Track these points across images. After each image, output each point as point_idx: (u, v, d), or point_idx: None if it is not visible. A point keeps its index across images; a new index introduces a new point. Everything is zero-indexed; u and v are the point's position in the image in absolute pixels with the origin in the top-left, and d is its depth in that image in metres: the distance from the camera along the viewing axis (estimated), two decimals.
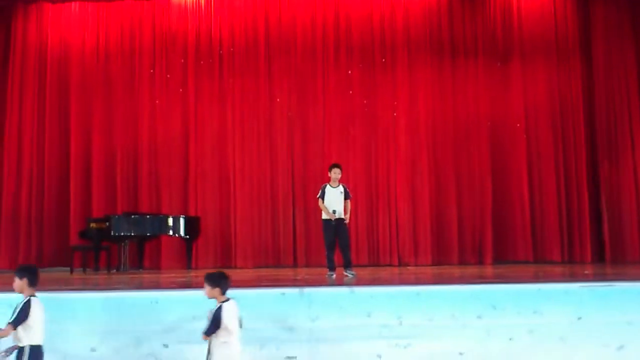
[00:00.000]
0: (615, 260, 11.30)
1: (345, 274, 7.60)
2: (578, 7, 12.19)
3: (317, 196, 7.87)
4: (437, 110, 12.00)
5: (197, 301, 4.92)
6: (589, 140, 11.94)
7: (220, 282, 4.54)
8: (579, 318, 5.46)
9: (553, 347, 5.37)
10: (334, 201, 7.69)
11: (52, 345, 4.76)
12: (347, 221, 7.76)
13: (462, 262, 11.55)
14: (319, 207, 7.81)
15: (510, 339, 5.38)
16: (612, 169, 11.77)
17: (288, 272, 9.63)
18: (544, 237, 11.72)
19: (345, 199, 7.75)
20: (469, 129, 11.96)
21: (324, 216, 7.75)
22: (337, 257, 7.80)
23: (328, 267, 7.70)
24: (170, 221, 10.48)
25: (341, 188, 7.78)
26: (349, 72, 12.10)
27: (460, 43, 12.16)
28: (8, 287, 6.80)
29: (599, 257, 11.58)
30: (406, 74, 12.05)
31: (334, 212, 7.62)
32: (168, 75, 12.11)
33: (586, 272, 8.15)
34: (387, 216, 11.79)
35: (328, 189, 7.78)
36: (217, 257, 11.64)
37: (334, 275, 7.54)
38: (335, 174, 7.82)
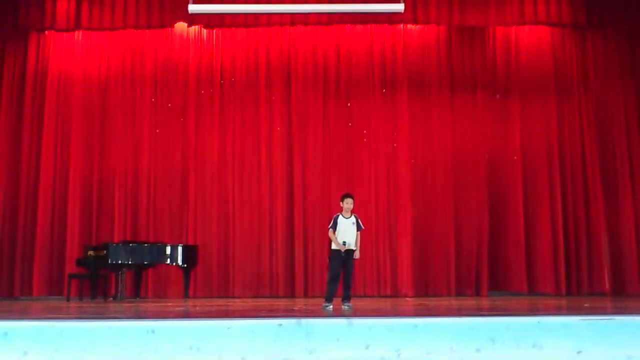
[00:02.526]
0: (613, 293, 11.30)
1: (343, 306, 7.51)
2: (576, 41, 12.34)
3: (329, 226, 7.65)
4: (435, 142, 12.09)
5: (195, 331, 4.87)
6: (587, 173, 11.99)
7: None
8: (579, 352, 5.41)
9: None
10: (345, 232, 7.50)
11: None
12: (357, 256, 7.58)
13: (458, 293, 11.53)
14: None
15: None
16: (610, 202, 11.78)
17: (286, 303, 9.57)
18: (539, 269, 11.70)
19: (358, 230, 7.62)
20: (467, 161, 12.02)
21: (334, 246, 7.55)
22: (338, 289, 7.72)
23: (326, 298, 7.58)
24: (168, 250, 10.46)
25: (353, 219, 7.58)
26: (349, 103, 12.19)
27: (459, 75, 12.29)
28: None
29: (596, 289, 11.56)
30: (405, 105, 12.15)
31: (344, 243, 7.44)
32: (169, 104, 12.20)
33: (586, 305, 8.10)
34: (387, 247, 11.79)
35: (340, 219, 7.57)
36: (215, 286, 11.59)
37: (331, 307, 7.44)
38: (348, 204, 7.60)
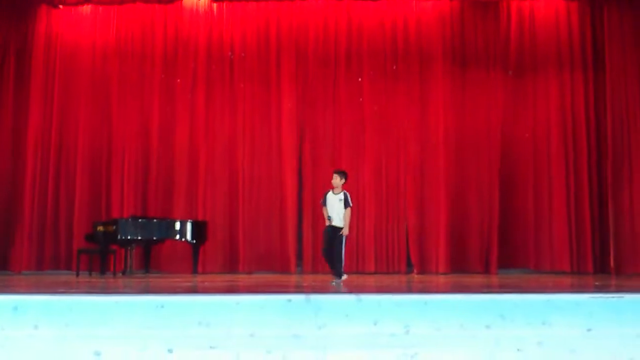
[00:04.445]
0: (620, 272, 11.20)
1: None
2: (593, 15, 12.07)
3: (320, 202, 7.89)
4: (448, 118, 11.95)
5: (203, 306, 4.88)
6: (600, 151, 11.84)
7: None
8: (589, 330, 5.37)
9: (562, 359, 5.28)
10: (332, 208, 7.62)
11: (57, 349, 4.72)
12: (344, 232, 7.59)
13: (468, 270, 11.51)
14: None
15: (518, 350, 5.29)
16: (623, 181, 11.64)
17: (295, 279, 9.59)
18: (548, 246, 11.61)
19: (346, 207, 7.61)
20: (479, 138, 11.90)
21: (327, 222, 7.74)
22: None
23: (333, 274, 7.72)
24: (178, 225, 10.47)
25: (341, 195, 7.62)
26: (360, 79, 12.07)
27: (472, 50, 12.10)
28: (7, 289, 6.79)
29: (602, 268, 11.51)
30: (417, 81, 12.02)
31: (329, 218, 7.57)
32: (178, 80, 12.13)
33: (597, 283, 8.07)
34: (396, 224, 11.76)
35: (329, 195, 7.71)
36: (224, 262, 11.62)
37: (337, 280, 7.51)
38: (334, 179, 7.72)
